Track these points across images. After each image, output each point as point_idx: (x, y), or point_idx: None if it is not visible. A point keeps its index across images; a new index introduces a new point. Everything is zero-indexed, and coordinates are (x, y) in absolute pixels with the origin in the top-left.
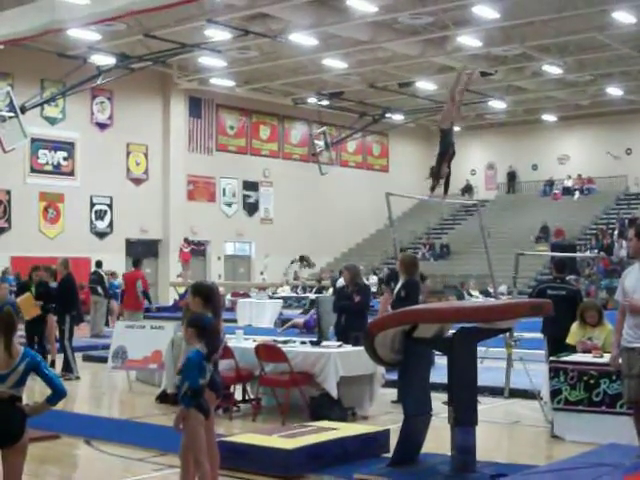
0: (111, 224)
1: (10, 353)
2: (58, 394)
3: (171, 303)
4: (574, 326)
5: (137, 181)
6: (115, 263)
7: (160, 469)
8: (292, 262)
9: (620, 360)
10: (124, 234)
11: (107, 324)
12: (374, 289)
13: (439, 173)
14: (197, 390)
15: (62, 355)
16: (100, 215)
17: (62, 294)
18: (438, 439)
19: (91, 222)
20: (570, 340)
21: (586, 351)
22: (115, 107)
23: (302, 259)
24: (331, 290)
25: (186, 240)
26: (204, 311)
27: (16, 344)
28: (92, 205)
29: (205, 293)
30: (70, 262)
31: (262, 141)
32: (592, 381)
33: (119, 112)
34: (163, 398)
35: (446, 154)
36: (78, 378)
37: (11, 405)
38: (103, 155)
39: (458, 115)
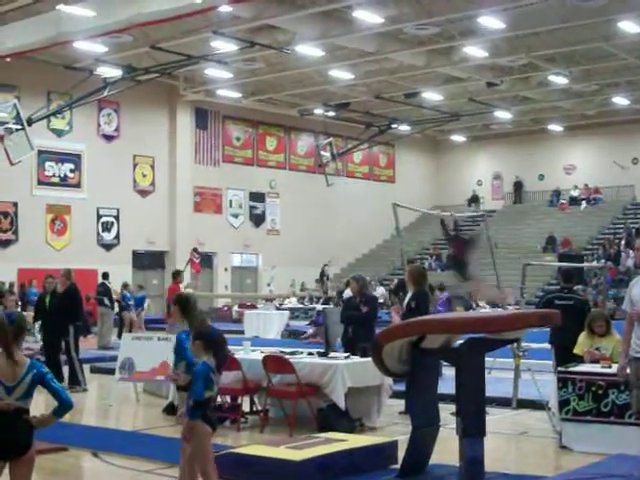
0: (118, 236)
1: (15, 363)
2: (64, 406)
3: None
4: (582, 336)
5: (144, 193)
6: (122, 275)
7: None
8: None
9: (628, 370)
10: (131, 246)
11: (120, 336)
12: (381, 300)
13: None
14: (201, 402)
15: (68, 367)
16: (107, 227)
17: (65, 305)
18: (446, 450)
19: (98, 234)
20: (578, 350)
21: (594, 361)
22: (122, 119)
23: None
24: (335, 301)
25: (195, 250)
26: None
27: (21, 355)
28: (99, 217)
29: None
30: (73, 272)
31: (268, 152)
32: (600, 391)
33: (126, 124)
34: (170, 410)
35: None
36: (85, 390)
37: (18, 417)
38: (110, 167)
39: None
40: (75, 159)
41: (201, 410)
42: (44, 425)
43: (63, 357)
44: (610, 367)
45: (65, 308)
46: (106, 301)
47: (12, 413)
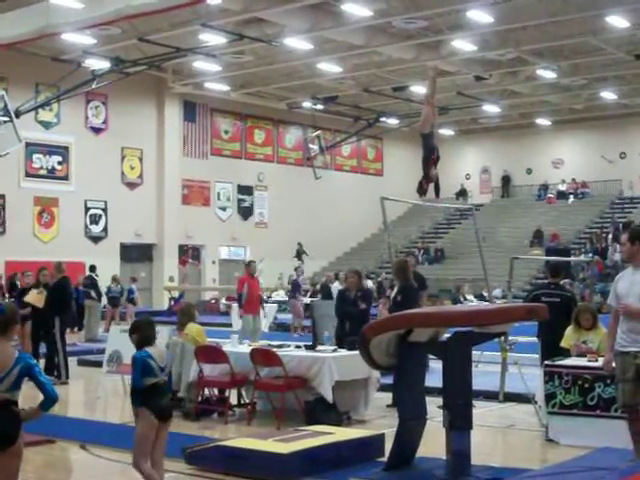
0: (106, 228)
1: (2, 354)
2: (50, 399)
3: (166, 307)
4: (569, 329)
5: (132, 185)
6: (110, 267)
7: None
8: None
9: (614, 364)
10: (119, 238)
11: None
12: None
13: (428, 177)
14: (138, 390)
15: (49, 358)
16: (95, 219)
17: (55, 297)
18: (433, 443)
19: (85, 226)
20: (565, 343)
21: (581, 355)
22: (110, 111)
23: (298, 253)
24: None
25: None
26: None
27: (10, 347)
28: (87, 209)
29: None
30: (64, 265)
31: (257, 145)
32: (587, 385)
33: (114, 116)
34: None
35: (430, 158)
36: (65, 384)
37: (6, 409)
38: (98, 159)
39: (435, 117)
40: (63, 151)
41: (140, 397)
42: (31, 418)
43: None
44: (596, 361)
45: (55, 301)
46: (93, 294)
47: (1, 404)
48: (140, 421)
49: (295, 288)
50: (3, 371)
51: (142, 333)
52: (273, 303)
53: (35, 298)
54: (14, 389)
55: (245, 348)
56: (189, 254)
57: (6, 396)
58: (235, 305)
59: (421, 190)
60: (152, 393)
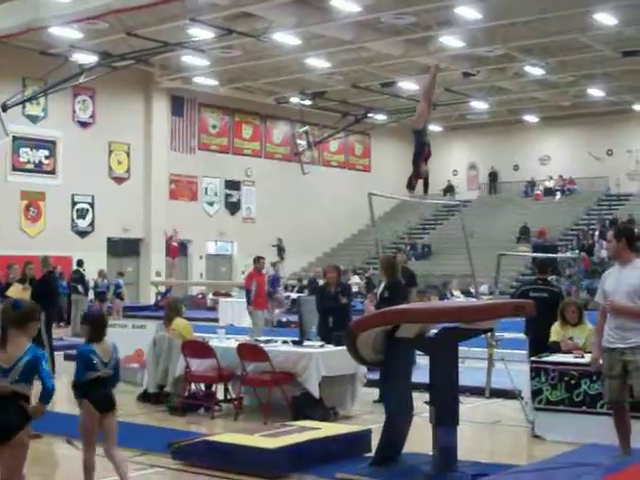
0: (92, 223)
1: (13, 346)
2: (46, 391)
3: (152, 302)
4: (555, 325)
5: (119, 180)
6: (96, 262)
7: (142, 468)
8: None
9: (601, 361)
10: (105, 233)
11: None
12: (356, 289)
13: (418, 173)
14: (79, 383)
15: None
16: (81, 214)
17: (41, 291)
18: (420, 439)
19: (72, 221)
20: (554, 338)
21: (567, 351)
22: (97, 105)
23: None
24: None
25: (171, 238)
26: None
27: (24, 341)
28: (74, 204)
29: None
30: (50, 260)
31: (244, 140)
32: (573, 381)
33: (101, 110)
34: (145, 397)
35: (422, 154)
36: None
37: (13, 401)
38: (85, 154)
39: (430, 114)
40: (50, 145)
41: (82, 390)
42: (38, 412)
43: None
44: (583, 357)
45: (41, 295)
46: (80, 288)
47: (8, 396)
48: (82, 413)
49: (274, 283)
50: (11, 362)
51: (93, 328)
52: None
53: (19, 293)
54: (23, 382)
55: (232, 343)
56: (176, 238)
57: (14, 388)
58: (222, 300)
59: (410, 186)
60: (93, 386)
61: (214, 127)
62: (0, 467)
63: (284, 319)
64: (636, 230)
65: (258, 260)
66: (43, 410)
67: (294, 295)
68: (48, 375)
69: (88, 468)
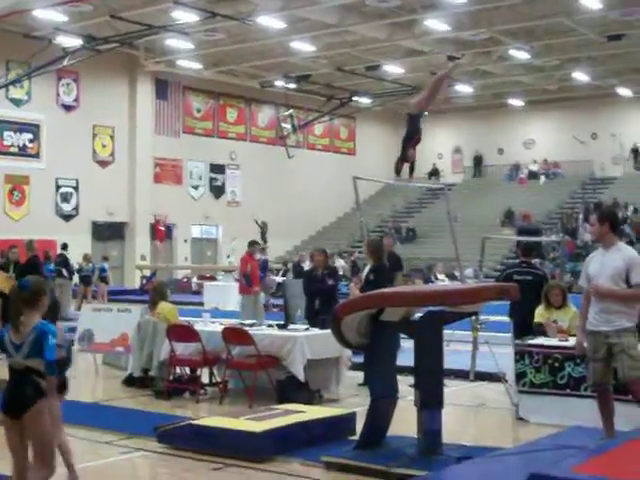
0: (77, 206)
1: (22, 323)
2: (46, 363)
3: (137, 286)
4: (539, 308)
5: (103, 163)
6: (81, 245)
7: (128, 452)
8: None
9: (585, 344)
10: (90, 216)
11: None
12: (341, 272)
13: (405, 157)
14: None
15: None
16: (66, 197)
17: (26, 275)
18: (405, 422)
19: (57, 204)
20: (538, 319)
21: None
22: (81, 89)
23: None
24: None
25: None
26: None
27: (36, 317)
28: (58, 187)
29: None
30: (35, 243)
31: (229, 124)
32: (557, 364)
33: (85, 94)
34: (130, 381)
35: (412, 139)
36: None
37: (25, 375)
38: (69, 137)
39: (428, 105)
40: (34, 129)
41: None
42: (50, 386)
43: None
44: (567, 340)
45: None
46: (64, 272)
47: (21, 372)
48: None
49: (264, 267)
50: (22, 339)
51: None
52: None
53: (2, 283)
54: (33, 356)
55: (217, 327)
56: (163, 222)
57: (25, 363)
58: (207, 283)
59: (397, 170)
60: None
61: (199, 110)
62: (30, 442)
63: (269, 302)
64: (619, 214)
65: (252, 244)
66: (53, 382)
67: (279, 279)
68: (49, 348)
69: (63, 452)
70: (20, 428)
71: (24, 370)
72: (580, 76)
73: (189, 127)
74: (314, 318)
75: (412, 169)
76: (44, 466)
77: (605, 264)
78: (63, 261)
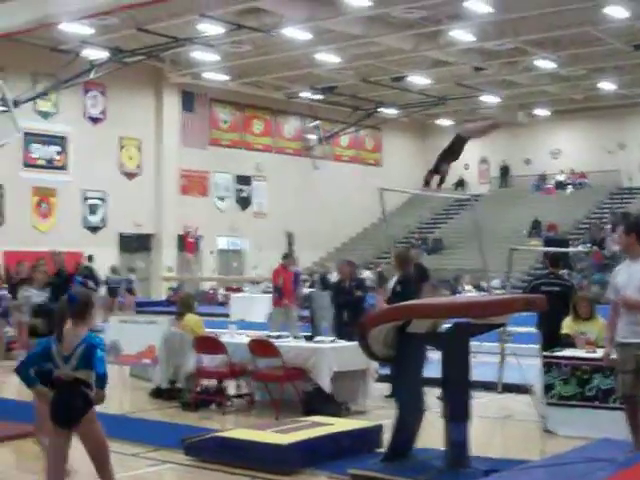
0: (104, 218)
1: (70, 337)
2: (97, 377)
3: (164, 297)
4: (567, 319)
5: (130, 175)
6: (108, 257)
7: (155, 464)
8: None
9: (614, 355)
10: (117, 228)
11: None
12: (368, 283)
13: (438, 170)
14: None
15: None
16: (93, 209)
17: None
18: (432, 434)
19: (84, 216)
20: (566, 331)
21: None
22: (108, 101)
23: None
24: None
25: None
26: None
27: (84, 330)
28: (85, 199)
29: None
30: (63, 256)
31: (255, 135)
32: (585, 376)
33: (112, 106)
34: (157, 393)
35: (451, 157)
36: None
37: (76, 388)
38: (96, 149)
39: (476, 137)
40: (61, 141)
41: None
42: (100, 399)
43: None
44: (595, 352)
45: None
46: (91, 284)
47: (70, 383)
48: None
49: (296, 279)
50: (70, 350)
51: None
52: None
53: None
54: (82, 368)
55: (243, 339)
56: (193, 234)
57: (75, 375)
58: (234, 295)
59: (427, 181)
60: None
61: (225, 122)
62: (87, 449)
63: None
64: None
65: (287, 256)
66: (102, 395)
67: (306, 290)
68: (100, 361)
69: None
70: (68, 438)
71: (73, 381)
72: (607, 85)
73: (215, 139)
74: (342, 330)
75: (442, 182)
76: (106, 467)
77: (633, 275)
78: (89, 273)
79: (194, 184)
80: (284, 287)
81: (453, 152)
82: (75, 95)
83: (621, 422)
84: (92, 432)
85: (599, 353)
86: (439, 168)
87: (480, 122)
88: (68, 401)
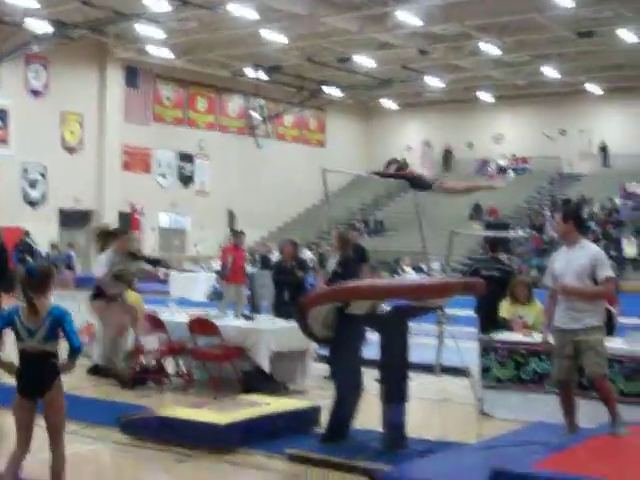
0: (44, 193)
1: (36, 308)
2: (72, 349)
3: None
4: (505, 302)
5: (71, 150)
6: (48, 233)
7: (91, 442)
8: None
9: (551, 340)
10: (57, 203)
11: None
12: (310, 264)
13: (385, 174)
14: None
15: None
16: (33, 184)
17: None
18: (369, 415)
19: (24, 191)
20: (503, 314)
21: (516, 330)
22: (50, 75)
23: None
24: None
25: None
26: None
27: (47, 301)
28: (25, 173)
29: None
30: (1, 231)
31: (199, 113)
32: (522, 360)
33: (54, 80)
34: (94, 371)
35: (404, 180)
36: None
37: (42, 358)
38: (37, 123)
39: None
40: (2, 115)
41: None
42: (68, 370)
43: None
44: (532, 336)
45: None
46: (28, 258)
47: (38, 354)
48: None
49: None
50: (37, 323)
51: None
52: (212, 272)
53: None
54: (49, 340)
55: (183, 317)
56: (138, 214)
57: (42, 347)
58: (174, 273)
59: (375, 173)
60: None
61: (169, 99)
62: (49, 420)
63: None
64: (586, 210)
65: (237, 234)
66: (72, 367)
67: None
68: (74, 333)
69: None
70: (33, 409)
71: (40, 353)
72: (550, 72)
73: (159, 115)
74: (282, 310)
75: (383, 176)
76: (62, 437)
77: (570, 262)
78: (27, 247)
79: (136, 160)
80: (235, 265)
81: (411, 180)
82: (17, 68)
83: (555, 405)
84: (58, 399)
85: (536, 337)
86: (388, 174)
87: (461, 183)
88: (38, 373)
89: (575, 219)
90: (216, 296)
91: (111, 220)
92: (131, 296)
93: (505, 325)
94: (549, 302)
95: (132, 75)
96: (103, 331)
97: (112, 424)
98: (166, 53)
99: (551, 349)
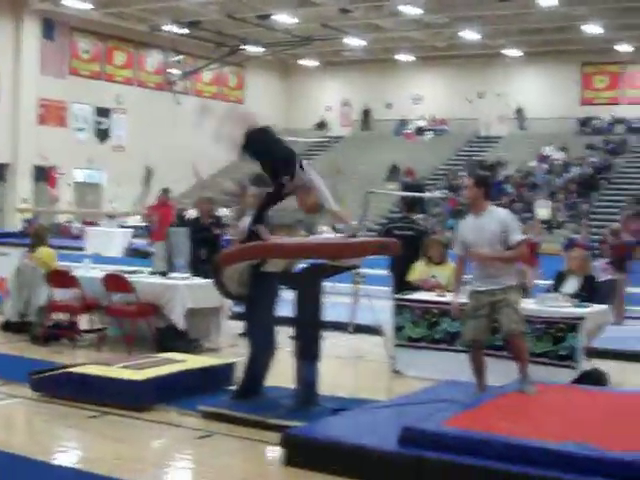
0: None
1: None
2: None
3: (18, 229)
4: (419, 263)
5: None
6: None
7: (3, 398)
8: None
9: (458, 301)
10: None
11: None
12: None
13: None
14: None
15: None
16: None
17: None
18: (283, 372)
19: None
20: (412, 277)
21: (429, 289)
22: None
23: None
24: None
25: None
26: None
27: None
28: None
29: None
30: None
31: (116, 67)
32: (434, 319)
33: None
34: (6, 327)
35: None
36: None
37: None
38: None
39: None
40: None
41: None
42: None
43: None
44: (444, 296)
45: None
46: None
47: None
48: None
49: None
50: None
51: None
52: (128, 228)
53: None
54: None
55: (97, 273)
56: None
57: None
58: (90, 229)
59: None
60: None
61: (86, 52)
62: None
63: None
64: (502, 172)
65: (165, 191)
66: None
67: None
68: None
69: None
70: None
71: None
72: (469, 35)
73: (75, 69)
74: (198, 267)
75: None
76: None
77: (481, 229)
78: None
79: (52, 114)
80: (164, 221)
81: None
82: None
83: (466, 364)
84: None
85: (449, 297)
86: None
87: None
88: None
89: (487, 186)
90: (134, 252)
91: (25, 175)
92: (44, 252)
93: (416, 286)
94: (458, 269)
95: (49, 27)
96: (15, 286)
97: (24, 381)
98: (84, 5)
99: (459, 315)
